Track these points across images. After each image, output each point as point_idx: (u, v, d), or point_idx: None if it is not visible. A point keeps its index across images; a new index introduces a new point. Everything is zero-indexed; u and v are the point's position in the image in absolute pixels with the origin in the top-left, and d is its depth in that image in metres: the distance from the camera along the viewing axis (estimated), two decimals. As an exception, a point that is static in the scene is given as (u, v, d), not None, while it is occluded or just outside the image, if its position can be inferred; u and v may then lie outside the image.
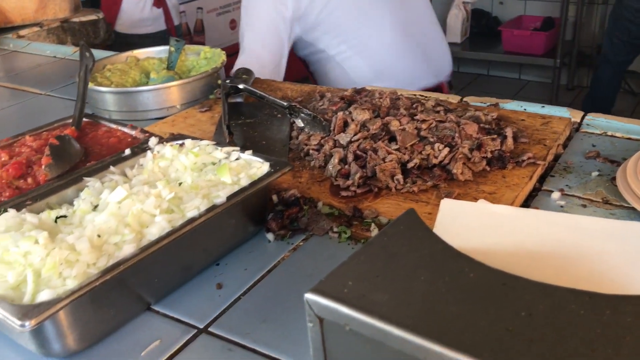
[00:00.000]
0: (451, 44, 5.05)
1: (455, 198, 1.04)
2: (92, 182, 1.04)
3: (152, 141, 1.14)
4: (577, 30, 4.82)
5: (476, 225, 0.80)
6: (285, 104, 1.37)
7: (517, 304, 0.55)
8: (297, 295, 0.90)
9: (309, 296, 0.59)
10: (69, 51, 2.22)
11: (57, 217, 0.94)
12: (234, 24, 4.91)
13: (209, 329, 0.86)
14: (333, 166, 1.16)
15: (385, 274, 0.60)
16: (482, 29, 5.21)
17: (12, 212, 0.92)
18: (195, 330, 0.86)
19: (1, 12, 2.48)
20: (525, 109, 1.39)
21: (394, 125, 1.19)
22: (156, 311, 0.90)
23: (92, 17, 2.72)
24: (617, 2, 3.95)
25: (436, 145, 1.14)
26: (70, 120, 1.30)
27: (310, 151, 1.24)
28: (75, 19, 2.66)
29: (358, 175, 1.11)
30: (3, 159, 1.11)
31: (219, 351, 0.82)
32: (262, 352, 0.81)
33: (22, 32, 2.49)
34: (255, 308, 0.89)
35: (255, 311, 0.89)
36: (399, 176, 1.10)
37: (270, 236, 1.04)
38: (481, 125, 1.22)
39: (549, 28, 4.76)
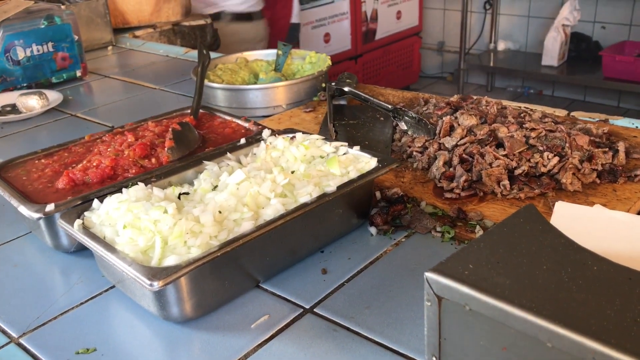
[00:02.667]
0: (547, 67, 4.97)
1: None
2: (210, 166, 1.10)
3: (266, 133, 1.20)
4: (686, 58, 4.58)
5: (592, 229, 0.79)
6: (389, 106, 1.40)
7: None
8: (400, 286, 0.93)
9: (430, 275, 0.60)
10: (181, 51, 2.35)
11: (180, 194, 1.00)
12: (327, 38, 5.00)
13: (315, 310, 0.89)
14: (437, 168, 1.17)
15: (507, 261, 0.61)
16: (581, 53, 5.04)
17: (141, 185, 1.00)
18: (302, 310, 0.90)
19: (120, 14, 2.67)
20: (637, 127, 1.35)
21: (502, 132, 1.19)
22: (265, 289, 0.95)
23: (201, 22, 2.86)
24: None
25: (545, 154, 1.13)
26: (189, 111, 1.38)
27: (414, 153, 1.26)
28: (186, 23, 2.81)
29: (463, 178, 1.12)
30: (129, 139, 1.20)
31: (324, 331, 0.85)
32: (366, 335, 0.83)
33: (138, 33, 2.66)
34: (359, 294, 0.92)
35: (359, 297, 0.91)
36: (506, 182, 1.10)
37: (373, 230, 1.07)
38: (592, 138, 1.20)
39: (655, 55, 4.56)
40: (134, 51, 2.46)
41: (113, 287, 0.98)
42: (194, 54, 2.30)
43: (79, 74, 2.07)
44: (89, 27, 2.44)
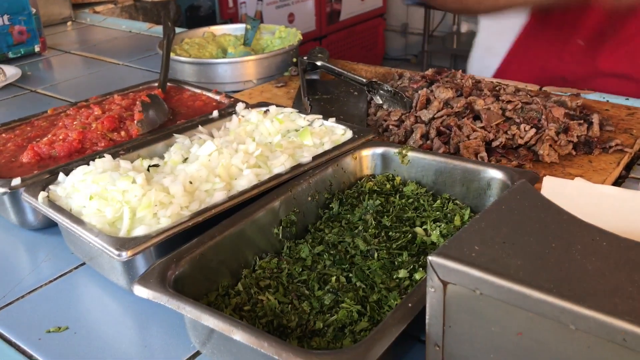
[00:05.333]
0: (510, 49, 5.00)
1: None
2: (181, 139, 1.07)
3: (240, 106, 1.16)
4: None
5: (583, 204, 0.78)
6: (364, 80, 1.38)
7: None
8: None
9: (434, 259, 0.56)
10: (144, 27, 2.27)
11: (149, 166, 0.96)
12: (292, 18, 4.94)
13: (295, 283, 0.87)
14: (414, 141, 1.15)
15: (513, 240, 0.58)
16: (544, 36, 5.10)
17: (108, 157, 0.95)
18: (282, 283, 0.87)
19: (79, -12, 2.56)
20: (608, 100, 1.36)
21: (479, 104, 1.18)
22: (242, 263, 0.92)
23: (164, -2, 2.78)
24: None
25: (522, 125, 1.13)
26: (156, 84, 1.33)
27: (390, 126, 1.24)
28: (148, -1, 2.72)
29: (441, 150, 1.11)
30: (96, 112, 1.14)
31: (306, 304, 0.83)
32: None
33: (98, 9, 2.56)
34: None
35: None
36: (483, 154, 1.09)
37: (351, 203, 1.05)
38: (567, 110, 1.20)
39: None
40: (95, 27, 2.37)
41: (83, 264, 0.94)
42: (158, 29, 2.23)
43: (37, 49, 1.98)
44: (47, 1, 2.34)
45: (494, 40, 1.76)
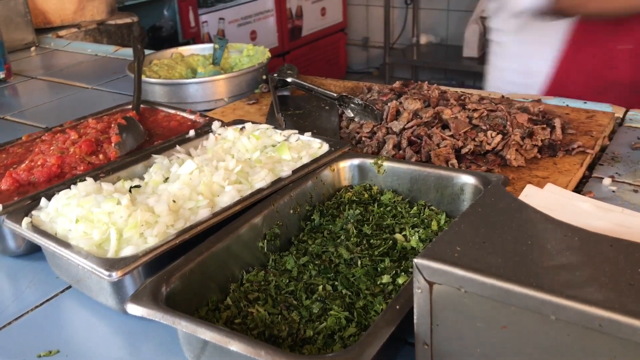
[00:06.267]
0: (468, 58, 5.13)
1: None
2: (160, 159, 1.08)
3: (215, 124, 1.19)
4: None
5: (557, 208, 0.81)
6: (335, 94, 1.41)
7: (631, 262, 0.56)
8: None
9: (419, 261, 0.59)
10: (110, 50, 2.27)
11: (131, 187, 0.98)
12: (254, 35, 4.98)
13: (282, 295, 0.89)
14: (387, 152, 1.19)
15: (492, 240, 0.61)
16: (500, 44, 5.24)
17: (90, 180, 0.96)
18: (269, 296, 0.89)
19: (41, 13, 2.55)
20: (567, 105, 1.43)
21: (447, 113, 1.23)
22: (228, 278, 0.94)
23: (127, 20, 2.78)
24: None
25: (489, 132, 1.18)
26: (130, 106, 1.34)
27: (363, 138, 1.27)
28: (111, 22, 2.72)
29: (413, 159, 1.15)
30: (73, 137, 1.15)
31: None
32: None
33: (61, 33, 2.55)
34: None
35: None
36: (454, 161, 1.13)
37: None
38: (530, 116, 1.25)
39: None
40: (60, 51, 2.36)
41: (68, 288, 0.94)
42: (124, 51, 2.24)
43: (2, 75, 1.97)
44: (8, 27, 2.32)
45: (531, 60, 1.74)
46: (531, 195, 0.82)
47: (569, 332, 0.53)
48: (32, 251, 1.01)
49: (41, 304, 0.91)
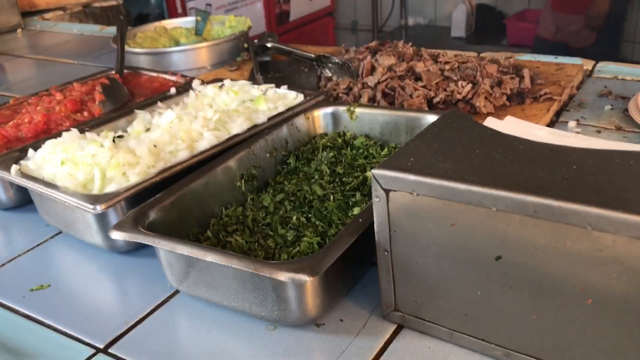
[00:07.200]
0: (456, 39, 5.17)
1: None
2: (142, 114, 1.12)
3: (195, 82, 1.23)
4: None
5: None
6: (312, 55, 1.46)
7: (567, 161, 0.61)
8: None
9: (376, 171, 0.64)
10: (96, 29, 2.31)
11: (114, 137, 1.02)
12: (242, 21, 4.99)
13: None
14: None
15: (443, 151, 0.66)
16: (487, 23, 5.28)
17: (74, 130, 1.01)
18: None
19: (27, -3, 2.58)
20: (539, 60, 1.48)
21: (419, 67, 1.27)
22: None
23: (112, 2, 2.81)
24: None
25: (459, 82, 1.22)
26: (113, 71, 1.39)
27: (340, 94, 1.32)
28: (97, 4, 2.75)
29: (387, 109, 1.19)
30: (58, 98, 1.19)
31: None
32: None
33: (47, 16, 2.58)
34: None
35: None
36: (426, 109, 1.18)
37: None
38: (500, 68, 1.30)
39: (553, 20, 4.84)
40: (46, 32, 2.39)
41: (58, 234, 0.99)
42: (110, 30, 2.27)
43: (-11, 54, 2.01)
44: (-5, 10, 2.36)
45: None
46: (491, 125, 0.87)
47: (509, 222, 0.58)
48: (23, 204, 1.06)
49: (32, 248, 0.96)
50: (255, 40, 1.63)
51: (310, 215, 0.88)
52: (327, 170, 0.97)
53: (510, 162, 0.63)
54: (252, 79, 1.49)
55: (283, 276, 0.63)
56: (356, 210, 0.88)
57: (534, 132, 0.85)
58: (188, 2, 4.60)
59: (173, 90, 1.20)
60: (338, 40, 6.00)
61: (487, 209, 0.58)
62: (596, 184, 0.57)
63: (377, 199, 0.66)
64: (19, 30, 2.43)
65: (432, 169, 0.63)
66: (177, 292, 0.82)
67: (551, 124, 1.19)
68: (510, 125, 0.88)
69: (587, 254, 0.55)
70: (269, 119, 1.04)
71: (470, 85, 1.22)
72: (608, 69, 1.41)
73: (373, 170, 0.65)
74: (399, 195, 0.64)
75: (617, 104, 1.23)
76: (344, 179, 0.96)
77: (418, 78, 1.26)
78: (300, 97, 1.13)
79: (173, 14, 4.41)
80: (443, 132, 0.71)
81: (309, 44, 1.87)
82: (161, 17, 4.40)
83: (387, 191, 0.65)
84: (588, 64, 1.44)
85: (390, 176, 0.64)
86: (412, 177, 0.62)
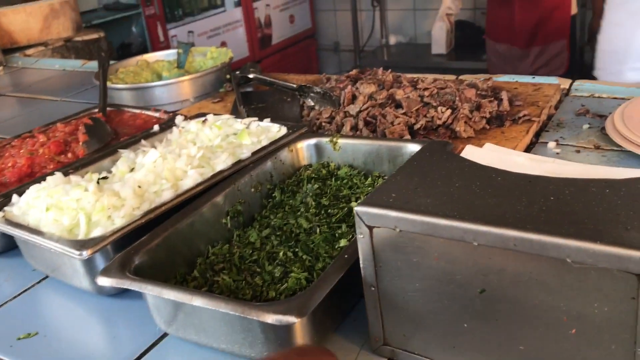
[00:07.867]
0: (437, 56, 5.23)
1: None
2: (126, 153, 1.13)
3: (178, 118, 1.24)
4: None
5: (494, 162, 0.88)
6: (294, 85, 1.47)
7: (545, 192, 0.62)
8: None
9: (359, 209, 0.65)
10: (78, 64, 2.32)
11: (99, 179, 1.02)
12: (224, 46, 5.03)
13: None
14: (345, 133, 1.25)
15: (423, 186, 0.67)
16: (467, 39, 5.35)
17: (58, 174, 1.01)
18: (235, 269, 0.94)
19: (7, 34, 2.59)
20: (516, 80, 1.50)
21: (399, 94, 1.29)
22: (197, 257, 0.98)
23: (94, 35, 2.82)
24: None
25: (439, 108, 1.24)
26: (96, 110, 1.39)
27: (323, 124, 1.33)
28: (78, 38, 2.76)
29: (370, 137, 1.21)
30: (42, 140, 1.20)
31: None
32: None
33: (29, 52, 2.59)
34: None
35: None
36: (407, 137, 1.20)
37: (293, 194, 1.13)
38: (478, 91, 1.32)
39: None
40: (28, 69, 2.40)
41: (44, 278, 0.99)
42: (92, 64, 2.28)
43: (-29, 94, 2.00)
44: (-24, 49, 2.36)
45: None
46: (470, 154, 0.88)
47: (491, 255, 0.59)
48: (8, 249, 1.05)
49: (19, 294, 0.95)
50: (237, 72, 1.64)
51: (297, 250, 0.88)
52: (313, 203, 0.98)
53: (489, 195, 0.64)
54: (235, 111, 1.51)
55: (271, 318, 0.64)
56: (343, 242, 0.88)
57: (513, 159, 0.87)
58: (170, 30, 4.64)
59: (156, 127, 1.21)
60: (321, 62, 6.06)
61: (469, 243, 0.59)
62: (574, 215, 0.58)
63: (362, 236, 0.66)
64: (0, 68, 2.43)
65: (413, 204, 0.64)
66: (166, 334, 0.82)
67: (531, 145, 1.21)
68: (489, 153, 0.89)
69: (569, 284, 0.56)
70: (253, 153, 1.05)
71: (449, 110, 1.23)
72: (585, 87, 1.44)
73: (356, 208, 0.66)
74: (383, 231, 0.65)
75: (594, 122, 1.25)
76: (329, 210, 0.97)
77: (399, 105, 1.28)
78: (284, 130, 1.14)
79: (155, 43, 4.44)
80: (423, 165, 0.72)
81: (292, 67, 1.90)
82: (143, 46, 4.42)
83: (370, 228, 0.65)
84: (565, 83, 1.47)
85: (373, 213, 0.65)
86: (394, 213, 0.63)
